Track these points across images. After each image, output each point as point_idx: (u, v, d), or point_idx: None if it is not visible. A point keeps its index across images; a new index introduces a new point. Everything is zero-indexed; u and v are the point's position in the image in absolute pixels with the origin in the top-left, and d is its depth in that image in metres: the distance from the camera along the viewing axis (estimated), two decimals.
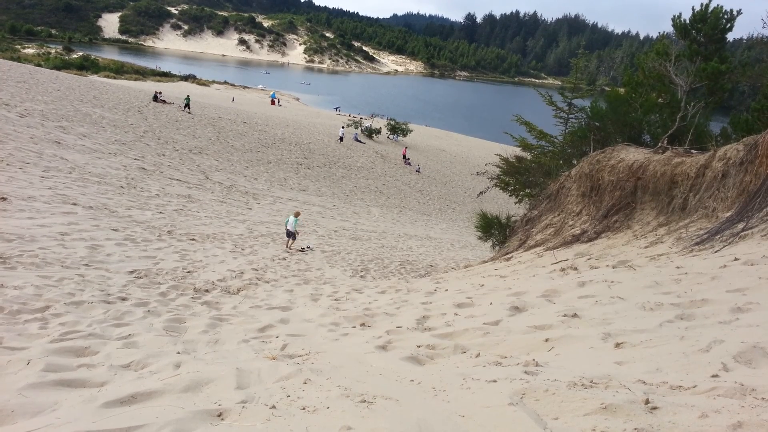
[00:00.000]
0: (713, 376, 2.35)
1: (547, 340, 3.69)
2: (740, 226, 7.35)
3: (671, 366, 2.63)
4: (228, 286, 8.80)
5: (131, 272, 8.69)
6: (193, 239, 12.64)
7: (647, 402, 1.95)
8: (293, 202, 24.41)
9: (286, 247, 14.22)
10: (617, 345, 3.25)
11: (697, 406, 1.95)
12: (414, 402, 2.28)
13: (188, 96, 39.34)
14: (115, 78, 70.01)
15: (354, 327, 5.36)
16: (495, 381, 2.42)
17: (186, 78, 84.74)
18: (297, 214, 14.69)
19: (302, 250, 14.46)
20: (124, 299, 6.80)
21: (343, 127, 48.44)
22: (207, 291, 8.21)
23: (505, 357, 3.29)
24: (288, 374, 2.96)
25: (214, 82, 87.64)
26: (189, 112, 36.96)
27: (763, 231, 6.92)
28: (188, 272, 9.48)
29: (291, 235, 14.40)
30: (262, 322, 5.75)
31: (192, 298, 7.50)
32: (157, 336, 4.65)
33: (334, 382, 2.71)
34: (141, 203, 15.44)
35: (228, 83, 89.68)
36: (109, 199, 14.66)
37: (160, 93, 39.74)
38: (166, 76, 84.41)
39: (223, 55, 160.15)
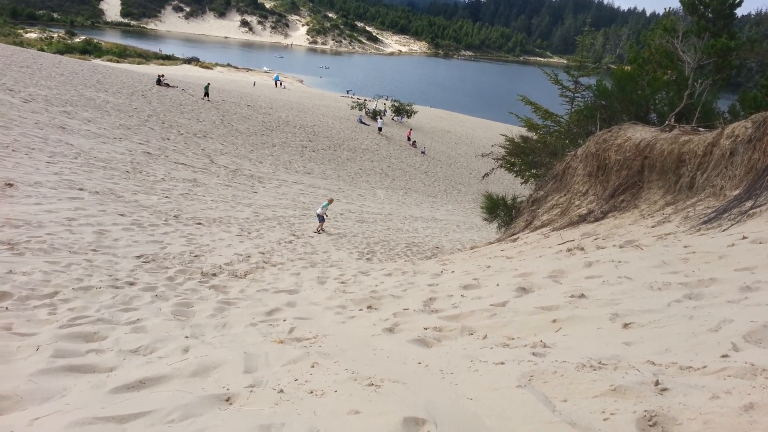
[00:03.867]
0: (723, 356, 2.33)
1: (554, 321, 3.68)
2: (748, 204, 7.29)
3: (680, 346, 2.62)
4: (235, 270, 8.83)
5: (139, 257, 8.73)
6: (199, 223, 12.67)
7: (657, 383, 1.94)
8: (298, 185, 24.40)
9: (316, 230, 14.83)
10: (625, 325, 3.24)
11: (707, 387, 1.94)
12: (421, 385, 2.28)
13: (208, 83, 39.08)
14: (118, 62, 69.80)
15: (361, 309, 5.37)
16: (503, 363, 2.41)
17: (189, 61, 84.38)
18: (330, 201, 15.65)
19: (317, 231, 14.89)
20: (132, 284, 6.84)
21: (381, 118, 48.42)
22: (214, 275, 8.24)
23: (513, 338, 3.28)
24: (295, 358, 2.97)
25: (217, 64, 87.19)
26: (209, 100, 36.78)
27: None
28: (195, 256, 9.51)
29: (320, 218, 14.98)
30: (269, 305, 5.77)
31: (199, 282, 7.53)
32: (165, 320, 4.68)
33: (342, 366, 2.71)
34: (147, 188, 15.47)
35: (231, 65, 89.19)
36: (115, 184, 14.69)
37: (163, 76, 39.59)
38: (169, 59, 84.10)
39: (226, 37, 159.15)
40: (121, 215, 11.61)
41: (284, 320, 4.96)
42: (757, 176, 7.68)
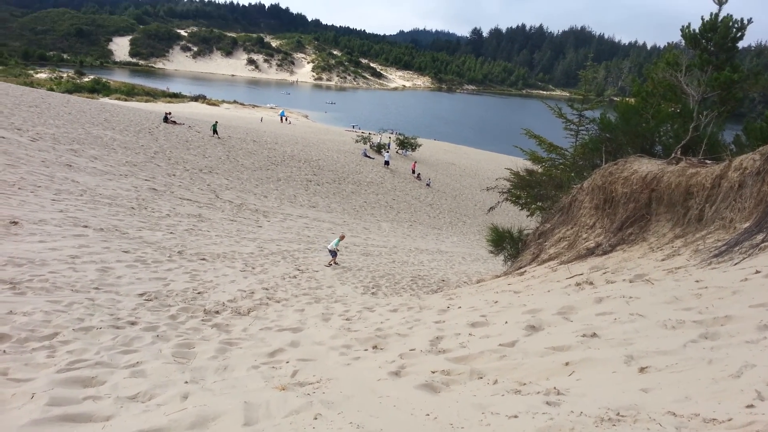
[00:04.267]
0: (748, 406, 2.21)
1: (567, 363, 3.55)
2: (759, 237, 7.17)
3: (701, 394, 2.49)
4: (238, 307, 8.71)
5: (141, 295, 8.63)
6: (203, 259, 12.59)
7: None
8: (303, 219, 24.38)
9: (329, 263, 15.36)
10: (641, 369, 3.11)
11: None
12: None
13: (216, 122, 39.50)
14: (126, 100, 70.90)
15: (366, 350, 5.24)
16: (516, 416, 2.29)
17: (196, 98, 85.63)
18: (342, 237, 16.15)
19: (329, 265, 15.25)
20: (133, 323, 6.73)
21: (387, 152, 48.89)
22: (217, 312, 8.12)
23: (524, 384, 3.15)
24: (298, 408, 2.84)
25: (224, 101, 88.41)
26: (218, 137, 37.11)
27: None
28: (198, 293, 9.41)
29: (333, 253, 15.52)
30: (272, 345, 5.63)
31: (202, 320, 7.41)
32: (165, 364, 4.55)
33: (346, 418, 2.59)
34: (152, 224, 15.46)
35: (237, 102, 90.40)
36: (120, 221, 14.68)
37: (170, 114, 40.06)
38: (176, 97, 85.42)
39: (233, 75, 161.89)
40: (125, 252, 11.55)
41: (287, 362, 4.83)
42: (766, 209, 7.57)
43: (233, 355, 5.21)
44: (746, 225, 7.86)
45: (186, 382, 3.96)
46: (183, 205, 19.74)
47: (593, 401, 2.64)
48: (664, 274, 7.57)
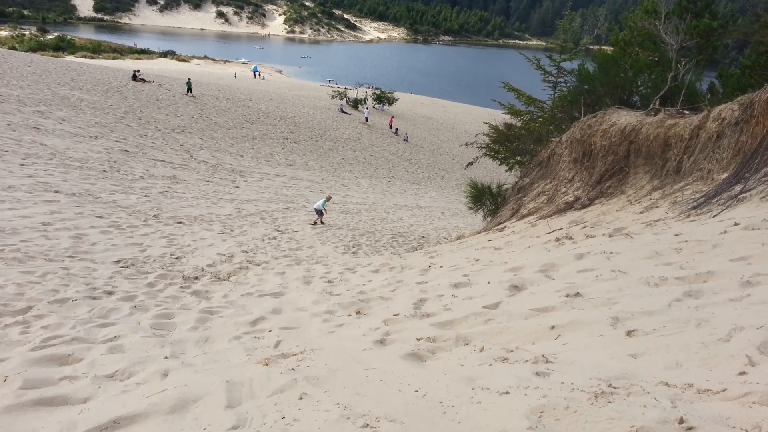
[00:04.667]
0: (740, 373, 2.18)
1: (552, 327, 3.52)
2: (738, 188, 7.20)
3: (691, 360, 2.47)
4: (218, 272, 8.58)
5: (117, 262, 8.45)
6: (180, 222, 12.37)
7: (681, 421, 1.78)
8: (281, 177, 24.08)
9: (312, 222, 15.52)
10: (628, 333, 3.08)
11: (732, 419, 1.79)
12: (421, 424, 2.10)
13: (189, 79, 38.31)
14: (92, 58, 68.34)
15: (349, 315, 5.18)
16: (507, 393, 2.23)
17: (165, 54, 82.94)
18: (329, 198, 16.23)
19: (314, 223, 15.41)
20: (110, 293, 6.58)
21: (367, 108, 48.27)
22: (196, 278, 7.99)
23: (511, 351, 3.11)
24: (282, 386, 2.76)
25: (194, 57, 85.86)
26: (192, 96, 36.12)
27: (762, 193, 6.77)
28: (176, 258, 9.25)
29: (318, 212, 15.61)
30: (253, 313, 5.54)
31: (181, 287, 7.28)
32: (144, 337, 4.44)
33: (332, 397, 2.52)
34: (125, 187, 15.10)
35: (208, 57, 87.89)
36: (92, 185, 14.31)
37: (139, 71, 38.79)
38: (144, 53, 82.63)
39: (202, 29, 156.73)
40: (99, 217, 11.28)
41: (269, 331, 4.75)
42: (745, 159, 7.59)
43: (214, 325, 5.11)
44: (724, 176, 7.90)
45: (166, 358, 3.86)
46: (156, 167, 19.30)
47: (582, 369, 2.60)
48: (642, 228, 7.61)
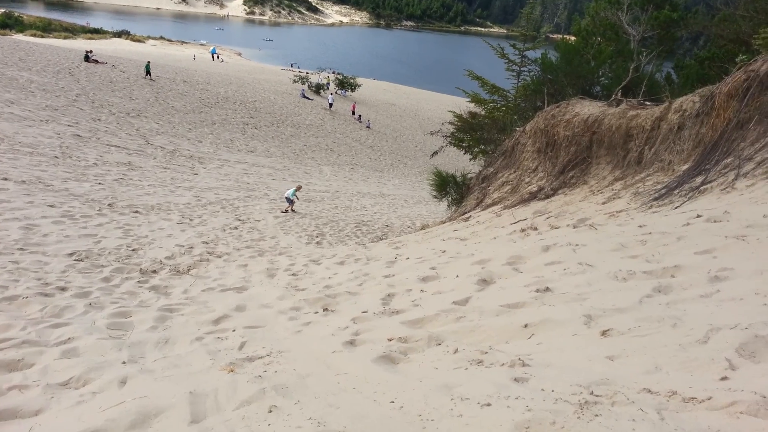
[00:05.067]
0: (722, 378, 2.15)
1: (525, 325, 3.47)
2: (699, 179, 7.32)
3: (671, 363, 2.43)
4: (177, 265, 8.30)
5: (71, 254, 8.10)
6: (136, 212, 11.96)
7: None
8: (241, 164, 23.59)
9: (283, 210, 15.69)
10: (603, 333, 3.04)
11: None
12: None
13: (149, 62, 37.02)
14: (42, 37, 65.36)
15: (316, 312, 5.03)
16: (489, 404, 2.15)
17: (119, 34, 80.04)
18: (299, 188, 16.56)
19: (285, 211, 15.54)
20: (63, 289, 6.27)
21: (331, 94, 47.67)
22: (154, 272, 7.70)
23: (485, 352, 3.03)
24: (249, 397, 2.61)
25: (149, 37, 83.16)
26: (151, 79, 34.97)
27: (722, 185, 6.89)
28: (133, 250, 8.91)
29: (289, 201, 15.82)
30: (216, 311, 5.33)
31: (138, 282, 7.00)
32: (100, 339, 4.19)
33: (304, 411, 2.38)
34: (78, 174, 14.53)
35: (164, 38, 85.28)
36: (43, 172, 13.70)
37: (92, 52, 37.33)
38: (97, 33, 79.49)
39: (158, 9, 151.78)
40: (51, 206, 10.82)
41: (233, 330, 4.57)
42: (705, 151, 7.72)
43: (174, 324, 4.90)
44: (685, 167, 8.02)
45: (123, 363, 3.64)
46: (111, 153, 18.63)
47: (561, 373, 2.54)
48: (606, 219, 7.67)
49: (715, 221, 5.59)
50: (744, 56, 7.64)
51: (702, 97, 8.15)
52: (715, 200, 6.52)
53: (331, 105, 45.13)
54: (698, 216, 5.92)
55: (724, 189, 6.68)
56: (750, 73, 7.22)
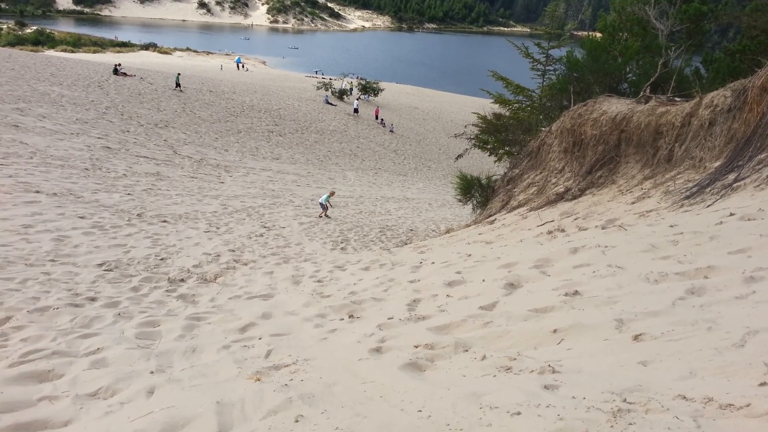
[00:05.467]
0: (761, 384, 2.06)
1: (554, 330, 3.39)
2: (731, 177, 7.12)
3: (706, 368, 2.34)
4: (204, 273, 8.38)
5: (100, 265, 8.22)
6: (164, 221, 12.13)
7: None
8: (267, 172, 23.80)
9: (318, 216, 16.24)
10: (635, 337, 2.96)
11: None
12: None
13: (179, 74, 37.86)
14: (72, 52, 67.07)
15: (342, 319, 5.02)
16: (519, 413, 2.09)
17: (146, 47, 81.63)
18: (332, 194, 16.99)
19: (320, 216, 16.10)
20: (93, 299, 6.36)
21: (357, 99, 47.95)
22: (182, 281, 7.78)
23: (514, 358, 2.97)
24: (276, 407, 2.59)
25: (176, 49, 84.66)
26: (181, 91, 35.68)
27: (756, 181, 6.69)
28: (161, 259, 9.03)
29: (323, 206, 16.30)
30: (242, 319, 5.36)
31: (166, 291, 7.08)
32: (128, 349, 4.24)
33: (331, 420, 2.36)
34: (108, 185, 14.80)
35: (190, 49, 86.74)
36: (74, 184, 14.00)
37: (120, 65, 38.12)
38: (125, 46, 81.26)
39: (183, 20, 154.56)
40: (81, 218, 11.02)
41: (260, 338, 4.58)
42: (738, 147, 7.51)
43: (202, 333, 4.93)
44: (717, 164, 7.81)
45: (151, 372, 3.67)
46: (140, 164, 18.96)
47: (592, 380, 2.47)
48: (636, 219, 7.51)
49: (749, 219, 5.42)
50: None
51: (734, 92, 7.93)
52: (749, 197, 6.33)
53: (356, 110, 45.22)
54: (731, 214, 5.76)
55: (758, 186, 6.49)
56: None
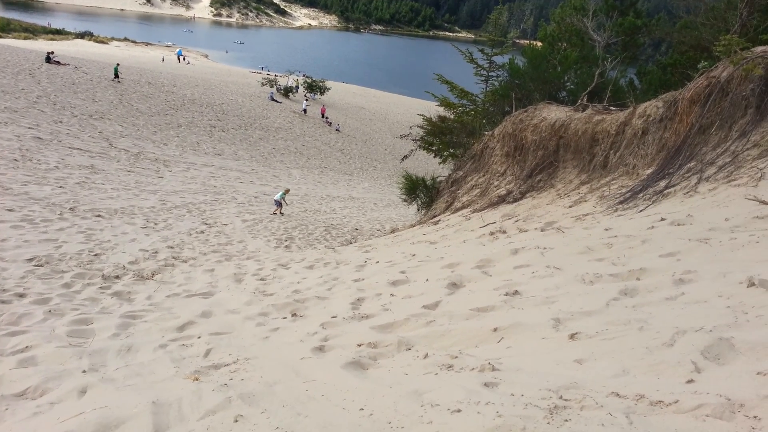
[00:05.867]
0: (689, 381, 2.17)
1: (495, 329, 3.46)
2: (662, 183, 7.47)
3: (638, 366, 2.45)
4: (141, 270, 8.09)
5: (30, 260, 7.81)
6: (99, 216, 11.65)
7: None
8: (208, 167, 23.25)
9: (272, 212, 16.37)
10: (572, 336, 3.06)
11: None
12: None
13: (118, 64, 36.48)
14: (1, 37, 63.37)
15: (285, 318, 4.95)
16: (459, 410, 2.12)
17: (82, 35, 78.08)
18: (287, 191, 17.25)
19: (273, 213, 16.23)
20: (21, 296, 6.04)
21: (306, 99, 47.17)
22: (117, 277, 7.49)
23: (455, 356, 3.01)
24: (215, 407, 2.53)
25: (113, 39, 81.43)
26: (119, 82, 34.35)
27: (685, 189, 7.04)
28: (95, 255, 8.66)
29: (278, 204, 16.48)
30: (181, 317, 5.20)
31: (100, 288, 6.79)
32: (59, 347, 4.04)
33: (272, 420, 2.32)
34: (38, 177, 14.08)
35: (129, 40, 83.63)
36: (1, 175, 13.24)
37: (53, 53, 36.34)
38: (59, 33, 77.34)
39: (122, 10, 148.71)
40: (10, 210, 10.46)
41: (199, 337, 4.46)
42: (669, 156, 7.89)
43: (137, 331, 4.76)
44: (649, 171, 8.18)
45: (84, 371, 3.51)
46: (73, 156, 18.14)
47: (530, 378, 2.54)
48: (573, 222, 7.76)
49: (678, 224, 5.70)
50: (705, 63, 7.84)
51: (665, 103, 8.33)
52: (679, 204, 6.66)
53: (305, 111, 44.84)
54: (662, 219, 6.03)
55: (687, 193, 6.83)
56: (711, 80, 7.40)
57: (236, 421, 2.35)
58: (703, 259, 4.19)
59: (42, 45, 56.24)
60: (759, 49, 7.32)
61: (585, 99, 10.66)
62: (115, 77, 34.72)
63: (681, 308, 3.29)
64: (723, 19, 9.90)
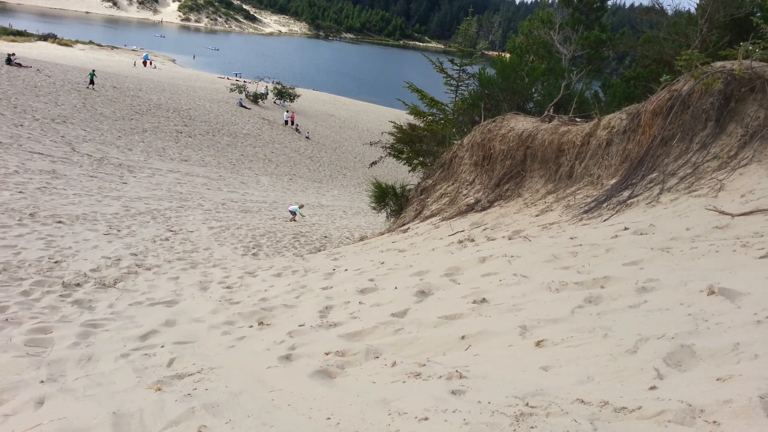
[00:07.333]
0: (651, 388, 2.21)
1: (462, 337, 3.47)
2: (626, 193, 7.64)
3: (602, 373, 2.48)
4: (103, 278, 7.90)
5: None
6: (60, 222, 11.35)
7: None
8: (174, 173, 22.88)
9: (290, 220, 17.75)
10: (538, 343, 3.09)
11: None
12: None
13: (93, 70, 35.92)
14: None
15: (251, 326, 4.88)
16: (426, 418, 2.12)
17: (45, 38, 76.25)
18: (301, 206, 18.69)
19: (292, 221, 17.46)
20: None
21: (287, 111, 46.76)
22: (78, 285, 7.29)
23: (423, 364, 3.01)
24: (178, 417, 2.47)
25: (77, 42, 79.75)
26: (93, 88, 33.60)
27: (648, 199, 7.21)
28: (55, 262, 8.42)
29: (292, 212, 17.84)
30: (143, 326, 5.08)
31: (60, 296, 6.60)
32: (16, 357, 3.90)
33: (236, 431, 2.28)
34: None
35: (93, 43, 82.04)
36: None
37: (14, 55, 35.42)
38: (21, 35, 75.37)
39: (87, 12, 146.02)
40: None
41: (162, 346, 4.36)
42: (632, 166, 8.08)
43: (98, 340, 4.63)
44: (613, 181, 8.36)
45: (42, 382, 3.39)
46: (33, 160, 17.65)
47: (497, 385, 2.55)
48: (539, 230, 7.87)
49: (641, 234, 5.83)
50: (667, 76, 8.06)
51: (629, 115, 8.53)
52: (642, 213, 6.81)
53: (286, 123, 44.57)
54: (626, 228, 6.16)
55: (650, 203, 7.00)
56: (673, 93, 7.61)
57: (200, 431, 2.30)
58: (665, 268, 4.29)
59: (2, 46, 54.70)
60: (718, 64, 7.57)
61: (551, 110, 10.85)
62: (90, 84, 34.07)
63: (644, 316, 3.35)
64: (684, 35, 10.22)
